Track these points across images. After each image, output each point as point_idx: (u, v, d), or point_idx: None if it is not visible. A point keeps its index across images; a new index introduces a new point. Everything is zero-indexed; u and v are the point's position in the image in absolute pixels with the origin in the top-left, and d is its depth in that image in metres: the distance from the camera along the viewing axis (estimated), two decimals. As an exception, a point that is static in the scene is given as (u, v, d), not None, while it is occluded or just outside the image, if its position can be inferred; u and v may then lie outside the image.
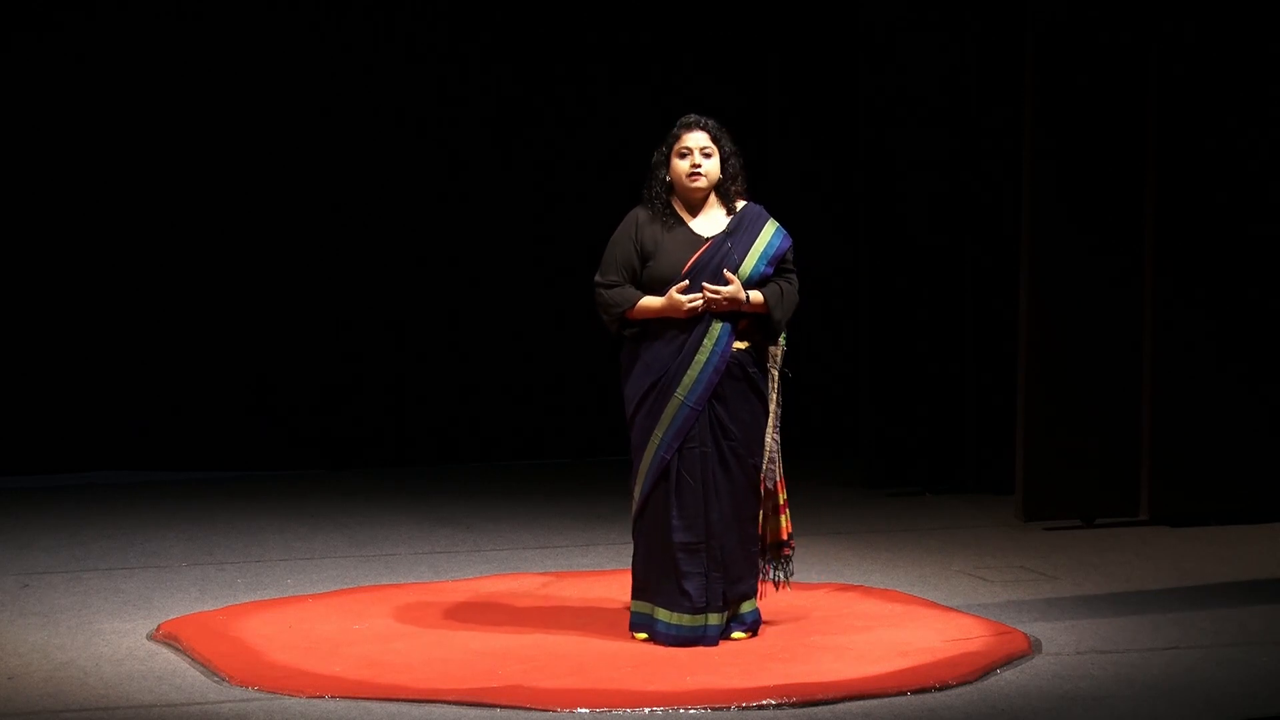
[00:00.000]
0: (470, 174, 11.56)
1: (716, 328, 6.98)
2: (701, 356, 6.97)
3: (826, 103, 11.65)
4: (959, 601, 7.81)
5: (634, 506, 7.11)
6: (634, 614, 7.15)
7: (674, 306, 6.93)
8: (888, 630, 7.27)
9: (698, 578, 7.00)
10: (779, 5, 11.68)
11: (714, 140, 7.05)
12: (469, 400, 11.58)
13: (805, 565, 8.62)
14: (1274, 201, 9.46)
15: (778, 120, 11.76)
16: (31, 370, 11.01)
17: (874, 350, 10.56)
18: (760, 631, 7.19)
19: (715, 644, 7.00)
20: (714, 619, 7.03)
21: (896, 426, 10.55)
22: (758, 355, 7.11)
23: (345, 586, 8.15)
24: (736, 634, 7.10)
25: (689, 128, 7.05)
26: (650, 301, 6.97)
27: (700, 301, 6.93)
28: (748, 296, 6.99)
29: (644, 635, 7.08)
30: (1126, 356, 9.44)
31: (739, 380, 7.04)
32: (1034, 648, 7.05)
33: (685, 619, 7.00)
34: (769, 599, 7.32)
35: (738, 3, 11.78)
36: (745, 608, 7.13)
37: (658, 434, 6.98)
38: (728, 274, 6.97)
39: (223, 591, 8.07)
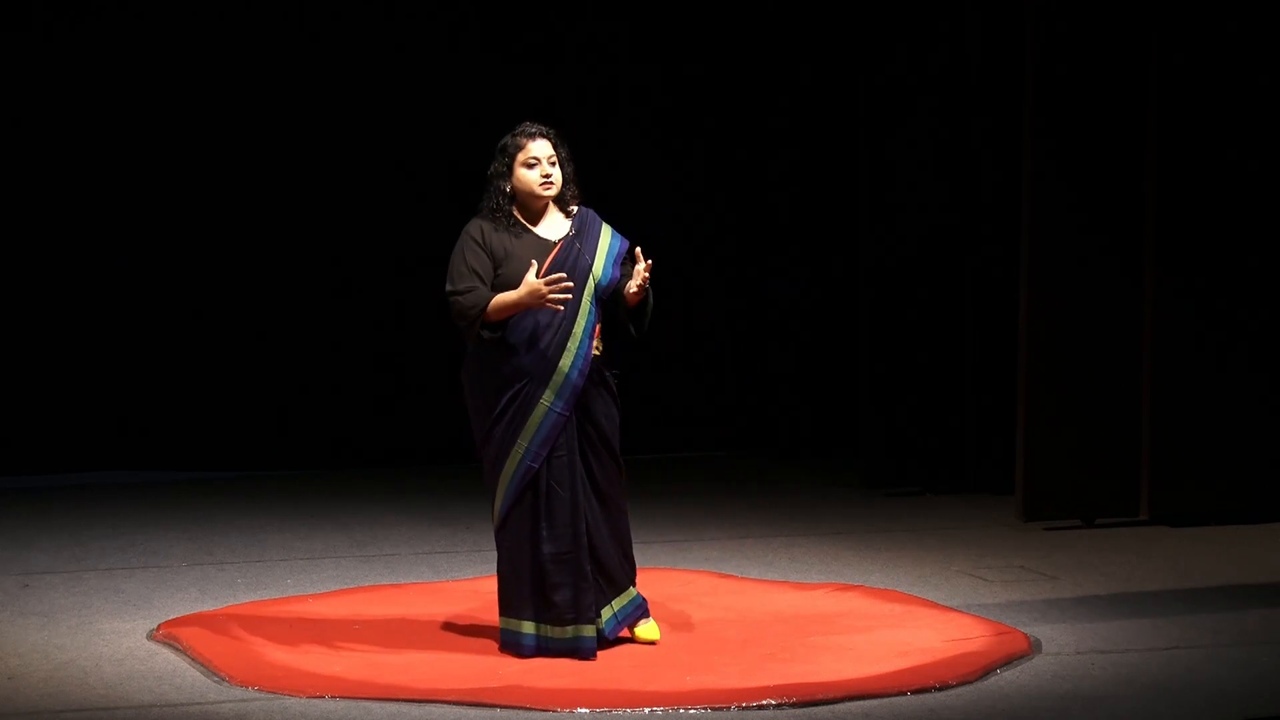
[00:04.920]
0: (467, 175, 11.51)
1: (578, 331, 6.90)
2: (566, 360, 6.88)
3: (826, 102, 11.64)
4: (959, 601, 7.81)
5: (495, 520, 7.02)
6: (503, 632, 7.02)
7: (534, 293, 6.78)
8: (888, 630, 7.27)
9: (566, 588, 6.91)
10: (778, 3, 11.67)
11: (555, 148, 7.01)
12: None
13: (805, 565, 8.63)
14: (1275, 201, 9.46)
15: (777, 119, 11.74)
16: (31, 370, 11.00)
17: (874, 350, 10.56)
18: (760, 632, 7.19)
19: (593, 656, 6.90)
20: (587, 630, 6.93)
21: (896, 426, 10.55)
22: (607, 359, 7.05)
23: (345, 586, 8.16)
24: (626, 631, 7.04)
25: (533, 137, 7.00)
26: (506, 296, 6.83)
27: (562, 290, 6.78)
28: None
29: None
30: (1126, 356, 9.43)
31: (597, 385, 6.98)
32: (1034, 648, 7.06)
33: (554, 631, 6.91)
34: (771, 600, 7.31)
35: (736, 1, 11.78)
36: (620, 601, 7.03)
37: (521, 443, 6.88)
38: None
39: (223, 591, 8.07)
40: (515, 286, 6.85)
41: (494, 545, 9.13)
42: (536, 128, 7.04)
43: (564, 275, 6.82)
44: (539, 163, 6.98)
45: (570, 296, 6.84)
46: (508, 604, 7.00)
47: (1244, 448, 9.49)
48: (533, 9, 11.55)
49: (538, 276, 6.81)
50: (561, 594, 6.91)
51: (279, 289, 11.29)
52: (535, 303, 6.82)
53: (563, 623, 6.91)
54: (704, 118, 11.75)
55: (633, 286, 6.92)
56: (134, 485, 10.84)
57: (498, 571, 7.07)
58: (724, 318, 11.88)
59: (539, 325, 6.88)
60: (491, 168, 7.07)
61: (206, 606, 7.73)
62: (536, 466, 6.91)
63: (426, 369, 11.52)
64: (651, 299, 7.02)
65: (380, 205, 11.42)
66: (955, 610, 7.61)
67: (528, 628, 6.95)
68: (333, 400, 11.40)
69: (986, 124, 10.22)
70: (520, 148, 7.01)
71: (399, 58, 11.40)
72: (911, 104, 10.46)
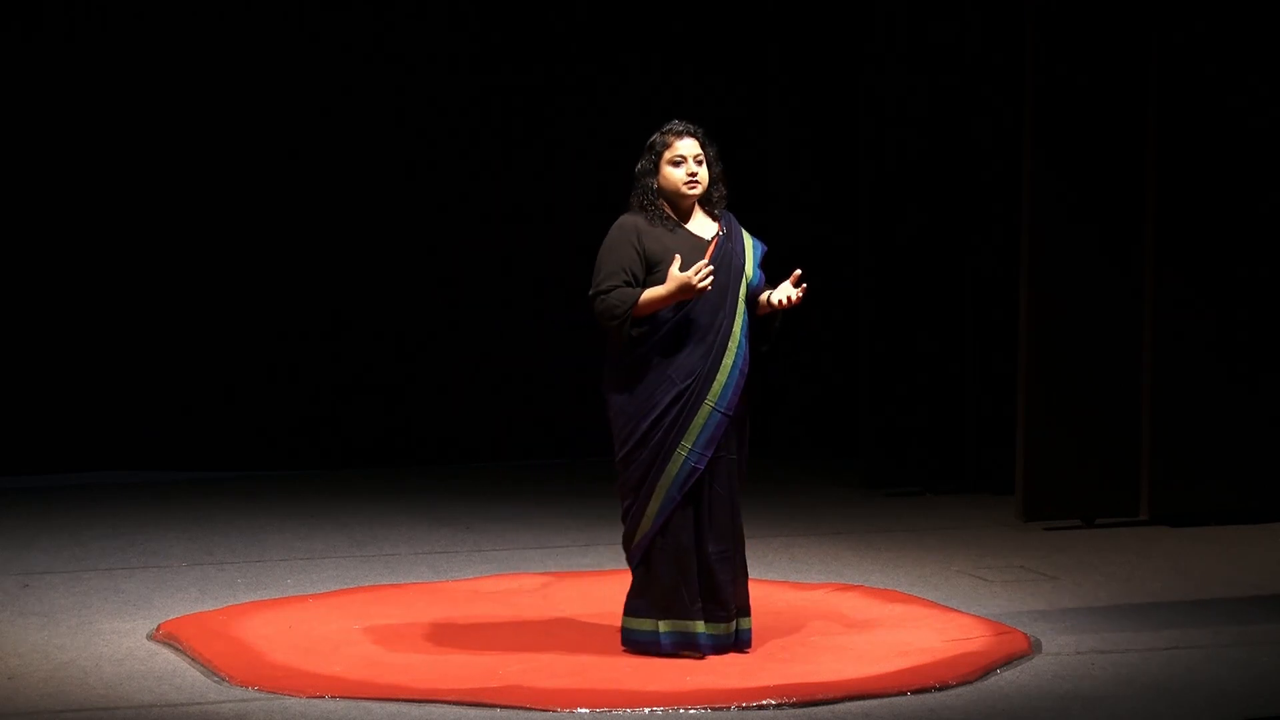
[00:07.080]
0: (467, 175, 11.55)
1: (737, 330, 6.86)
2: (728, 360, 6.83)
3: (827, 100, 11.64)
4: (959, 601, 7.80)
5: (650, 523, 6.86)
6: (666, 634, 6.88)
7: (683, 286, 6.70)
8: (888, 630, 7.27)
9: (728, 585, 6.89)
10: (778, 4, 11.67)
11: (703, 147, 6.95)
12: (469, 400, 11.57)
13: (805, 565, 8.63)
14: (1275, 200, 9.46)
15: (778, 117, 11.74)
16: (31, 370, 11.01)
17: (874, 350, 10.56)
18: (759, 632, 7.20)
19: (747, 647, 6.93)
20: (744, 623, 6.95)
21: (896, 427, 10.55)
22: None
23: (345, 586, 8.15)
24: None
25: (680, 135, 6.92)
26: (655, 292, 6.74)
27: (709, 274, 6.73)
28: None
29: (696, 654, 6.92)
30: (1126, 356, 9.43)
31: (746, 385, 6.92)
32: (1034, 648, 7.05)
33: (722, 629, 6.89)
34: (771, 600, 7.31)
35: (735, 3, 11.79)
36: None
37: (686, 444, 6.78)
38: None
39: (223, 591, 8.07)
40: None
41: (494, 546, 9.13)
42: (684, 125, 6.96)
43: (708, 263, 6.75)
44: (685, 161, 6.90)
45: (712, 282, 6.75)
46: (667, 607, 6.87)
47: (1244, 448, 9.49)
48: (531, 10, 11.57)
49: (682, 270, 6.75)
50: (724, 591, 6.88)
51: (280, 290, 11.29)
52: (685, 295, 6.76)
53: (727, 619, 6.89)
54: (704, 118, 11.72)
55: (785, 297, 6.82)
56: (134, 485, 10.83)
57: (646, 574, 6.89)
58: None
59: (700, 325, 6.82)
60: (639, 164, 6.97)
61: (206, 606, 7.73)
62: (701, 468, 6.82)
63: (427, 369, 11.53)
64: (780, 319, 7.01)
65: (382, 208, 11.42)
66: (955, 610, 7.61)
67: (700, 627, 6.87)
68: (333, 400, 11.40)
69: (986, 123, 10.22)
70: (667, 145, 6.92)
71: (405, 59, 11.41)
72: (911, 103, 10.46)
